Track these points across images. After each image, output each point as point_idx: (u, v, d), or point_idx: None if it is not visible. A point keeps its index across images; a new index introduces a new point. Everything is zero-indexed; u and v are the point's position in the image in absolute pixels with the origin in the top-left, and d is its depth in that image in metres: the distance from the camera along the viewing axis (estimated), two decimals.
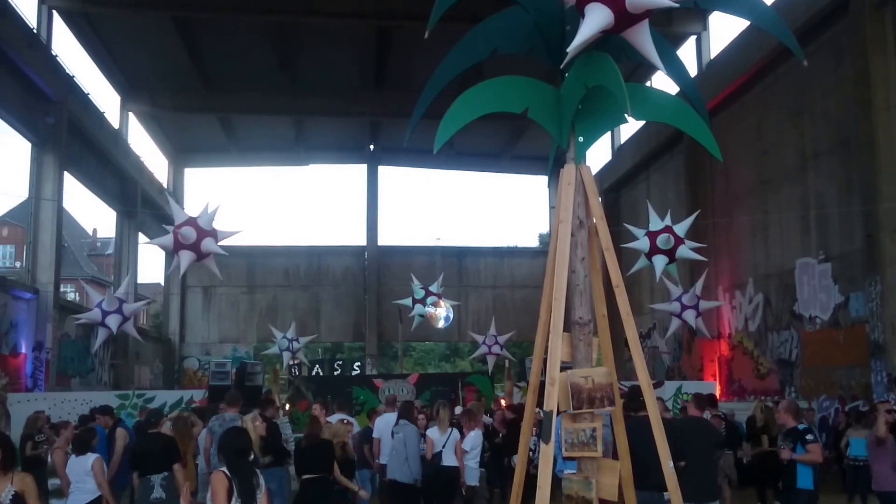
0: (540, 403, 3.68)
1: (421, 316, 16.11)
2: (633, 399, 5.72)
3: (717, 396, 14.31)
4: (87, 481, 6.05)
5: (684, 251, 9.70)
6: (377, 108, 22.04)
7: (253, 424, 6.26)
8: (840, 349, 13.03)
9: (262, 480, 4.24)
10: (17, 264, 39.67)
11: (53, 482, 7.61)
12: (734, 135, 16.19)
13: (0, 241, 45.19)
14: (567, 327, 3.59)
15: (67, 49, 37.02)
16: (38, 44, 15.30)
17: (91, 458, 6.16)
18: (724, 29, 18.32)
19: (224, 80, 20.62)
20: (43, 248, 15.85)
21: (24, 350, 15.04)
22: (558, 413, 3.50)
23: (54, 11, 16.60)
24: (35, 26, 15.50)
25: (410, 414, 8.07)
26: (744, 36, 15.76)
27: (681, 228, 9.82)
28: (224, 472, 4.10)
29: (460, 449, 7.64)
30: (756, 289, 16.08)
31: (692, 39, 18.72)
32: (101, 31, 18.17)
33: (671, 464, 3.72)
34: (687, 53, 18.64)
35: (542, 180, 28.55)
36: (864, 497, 8.98)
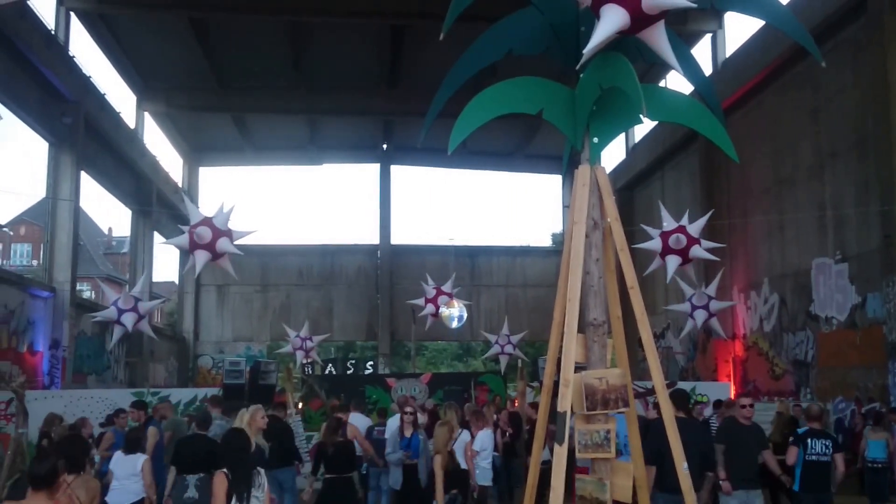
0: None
1: (434, 316, 16.13)
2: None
3: (732, 397, 14.17)
4: (134, 480, 6.07)
5: (698, 251, 9.63)
6: (390, 107, 22.08)
7: (253, 417, 6.19)
8: (856, 350, 12.88)
9: (264, 479, 4.33)
10: (34, 263, 40.21)
11: None
12: (750, 133, 16.05)
13: (18, 240, 45.79)
14: (581, 328, 3.58)
15: (84, 50, 37.47)
16: (56, 45, 15.48)
17: (141, 458, 6.20)
18: (740, 27, 18.15)
19: (238, 80, 20.76)
20: (60, 247, 16.04)
21: (41, 348, 15.23)
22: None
23: (72, 13, 16.80)
24: (53, 27, 15.69)
25: (400, 408, 8.16)
26: (760, 34, 15.61)
27: (694, 228, 9.76)
28: (225, 472, 4.30)
29: (470, 450, 7.58)
30: (771, 289, 15.93)
31: (707, 37, 18.57)
32: (118, 31, 18.36)
33: (685, 465, 3.71)
34: (702, 52, 18.50)
35: (555, 179, 28.46)
36: (882, 499, 8.89)
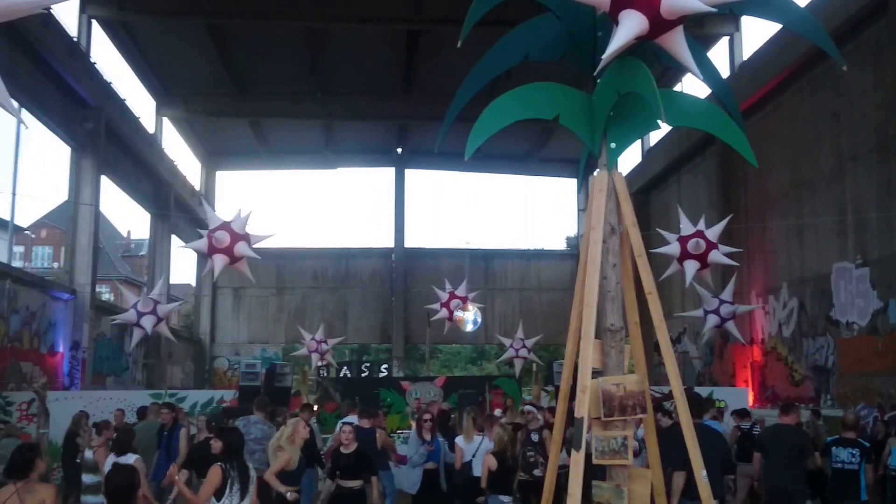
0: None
1: (449, 320, 16.14)
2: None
3: (750, 403, 14.03)
4: None
5: (716, 256, 9.55)
6: (405, 111, 22.17)
7: (295, 430, 6.28)
8: (878, 356, 12.67)
9: (252, 474, 4.84)
10: (55, 265, 40.77)
11: (89, 478, 7.80)
12: (768, 137, 15.88)
13: (39, 243, 46.46)
14: (598, 334, 3.57)
15: (105, 56, 37.92)
16: (78, 52, 15.74)
17: (132, 458, 6.29)
18: (758, 29, 17.99)
19: (255, 85, 20.95)
20: (80, 250, 16.27)
21: (61, 349, 15.45)
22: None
23: (93, 20, 17.07)
24: (75, 35, 15.95)
25: (421, 414, 8.15)
26: (778, 36, 15.46)
27: (713, 233, 9.67)
28: (221, 465, 4.83)
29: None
30: (790, 294, 15.73)
31: (724, 40, 18.43)
32: (138, 38, 18.62)
33: (704, 472, 3.67)
34: (719, 55, 18.36)
35: (569, 183, 28.36)
36: None
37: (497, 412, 10.49)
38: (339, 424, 8.04)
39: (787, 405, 6.92)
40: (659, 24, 3.07)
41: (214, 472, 4.74)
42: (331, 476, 6.98)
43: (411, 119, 22.94)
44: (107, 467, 6.35)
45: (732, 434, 9.62)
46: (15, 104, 13.42)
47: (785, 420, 6.60)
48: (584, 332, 3.50)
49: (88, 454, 7.18)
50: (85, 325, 16.01)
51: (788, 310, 15.77)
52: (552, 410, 9.74)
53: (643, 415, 3.55)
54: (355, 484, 6.54)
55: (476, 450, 7.43)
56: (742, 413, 10.41)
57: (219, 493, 4.69)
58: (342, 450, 6.68)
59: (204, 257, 9.25)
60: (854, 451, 6.45)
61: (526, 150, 25.56)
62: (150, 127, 20.93)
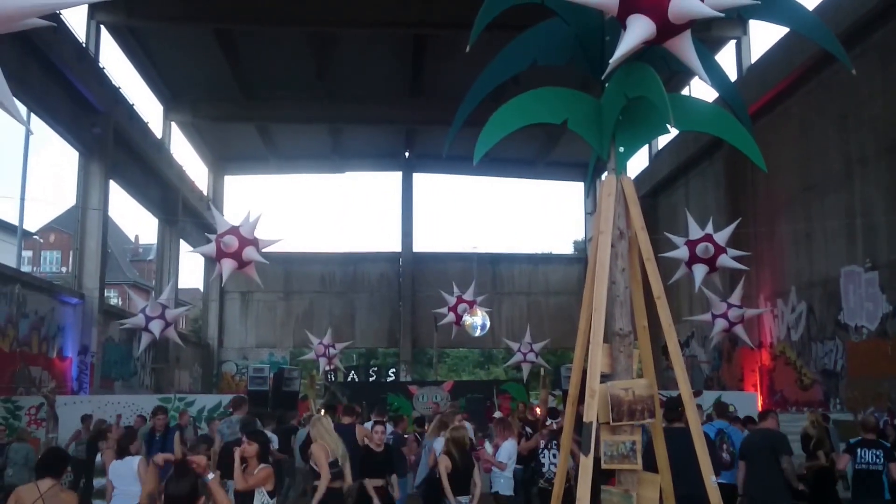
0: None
1: (457, 324, 16.14)
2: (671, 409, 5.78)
3: (759, 408, 13.93)
4: (132, 484, 6.16)
5: (725, 260, 9.51)
6: (413, 115, 22.22)
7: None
8: (888, 360, 12.58)
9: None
10: (64, 270, 41.02)
11: (98, 483, 7.85)
12: (776, 140, 15.83)
13: (47, 248, 46.73)
14: (606, 338, 3.57)
15: (114, 62, 38.27)
16: (87, 57, 15.87)
17: (135, 460, 6.32)
18: (765, 33, 17.96)
19: (262, 90, 21.05)
20: (89, 255, 16.37)
21: (70, 354, 15.54)
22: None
23: (102, 26, 17.22)
24: (84, 41, 16.09)
25: (444, 428, 8.11)
26: (785, 40, 15.42)
27: (721, 237, 9.63)
28: (272, 467, 5.25)
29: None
30: (799, 297, 15.65)
31: (732, 44, 18.40)
32: (146, 44, 18.77)
33: (713, 478, 3.65)
34: (726, 58, 18.33)
35: (577, 186, 28.34)
36: None
37: (496, 415, 10.48)
38: (368, 425, 8.11)
39: (764, 412, 7.10)
40: (667, 29, 3.07)
41: (268, 473, 5.11)
42: (360, 474, 7.05)
43: (419, 123, 22.98)
44: (111, 474, 6.36)
45: None
46: (24, 109, 13.54)
47: (763, 425, 6.73)
48: (592, 337, 3.50)
49: (99, 459, 7.20)
50: (93, 330, 16.09)
51: (797, 313, 15.69)
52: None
53: (651, 419, 3.54)
54: (381, 482, 6.74)
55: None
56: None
57: (272, 493, 5.12)
58: (374, 448, 6.85)
59: (212, 262, 9.30)
60: (878, 452, 6.58)
61: (533, 154, 25.56)
62: (157, 132, 21.06)
